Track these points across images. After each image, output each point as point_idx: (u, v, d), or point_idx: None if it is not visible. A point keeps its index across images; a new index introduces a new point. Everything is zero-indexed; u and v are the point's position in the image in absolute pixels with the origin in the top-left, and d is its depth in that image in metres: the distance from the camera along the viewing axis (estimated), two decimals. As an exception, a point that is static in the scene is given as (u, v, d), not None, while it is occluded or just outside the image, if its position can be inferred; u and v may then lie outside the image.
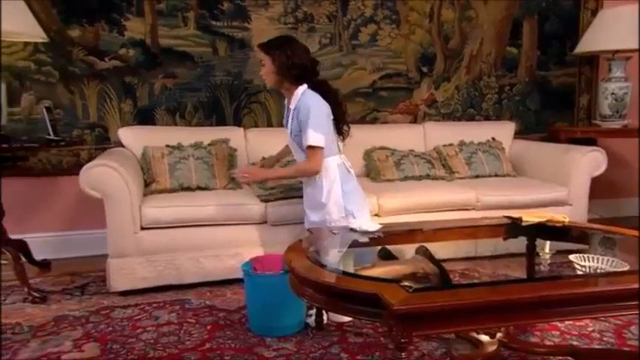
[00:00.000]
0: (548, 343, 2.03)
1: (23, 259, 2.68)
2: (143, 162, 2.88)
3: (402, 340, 1.32)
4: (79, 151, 3.15)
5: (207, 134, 3.08)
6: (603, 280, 1.65)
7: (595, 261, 1.84)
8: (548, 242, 2.09)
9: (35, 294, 2.46)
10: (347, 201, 2.28)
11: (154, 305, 2.41)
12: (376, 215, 2.89)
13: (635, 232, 2.00)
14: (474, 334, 1.88)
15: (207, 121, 3.38)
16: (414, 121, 3.80)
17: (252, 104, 3.45)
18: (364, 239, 2.06)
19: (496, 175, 3.44)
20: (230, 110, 3.42)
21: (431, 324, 1.38)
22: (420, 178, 3.27)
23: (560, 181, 3.20)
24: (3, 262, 2.56)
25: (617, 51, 3.61)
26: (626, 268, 1.74)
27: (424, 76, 3.79)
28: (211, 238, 2.63)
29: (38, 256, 2.89)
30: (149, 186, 2.81)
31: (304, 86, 2.29)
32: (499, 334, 1.87)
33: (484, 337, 1.86)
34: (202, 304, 2.41)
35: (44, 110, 2.65)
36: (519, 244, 2.37)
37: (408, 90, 3.77)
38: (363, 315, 1.49)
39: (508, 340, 1.89)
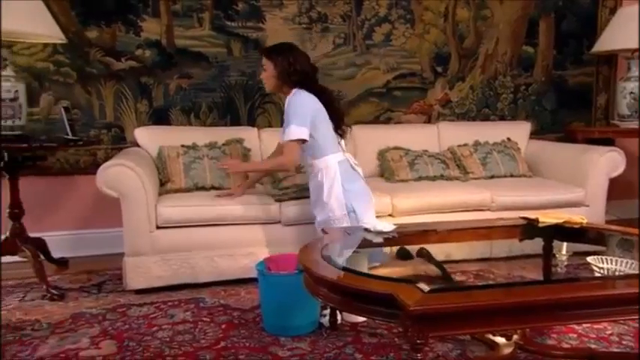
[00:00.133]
0: (565, 345, 2.00)
1: (42, 256, 2.72)
2: (158, 162, 2.90)
3: (418, 341, 1.31)
4: (96, 151, 3.20)
5: (222, 134, 3.10)
6: (622, 283, 1.62)
7: (613, 263, 1.81)
8: (565, 244, 2.06)
9: (53, 291, 2.50)
10: (349, 198, 2.29)
11: (169, 304, 2.43)
12: (390, 215, 2.88)
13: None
14: (490, 336, 1.87)
15: (222, 121, 3.40)
16: (428, 121, 3.79)
17: (266, 104, 3.47)
18: (378, 239, 2.06)
19: (511, 176, 3.41)
20: (244, 110, 3.44)
21: (447, 325, 1.37)
22: (434, 178, 3.25)
23: (577, 182, 3.16)
24: (22, 259, 2.60)
25: (636, 49, 3.55)
26: (646, 270, 1.71)
27: (438, 76, 3.77)
28: (225, 237, 2.65)
29: (56, 254, 2.94)
30: (164, 185, 2.84)
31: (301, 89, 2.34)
32: (515, 336, 1.85)
33: (500, 339, 1.84)
34: (217, 303, 2.43)
35: (62, 110, 2.69)
36: (535, 245, 2.34)
37: (422, 90, 3.76)
38: (377, 315, 1.49)
39: (524, 342, 1.87)
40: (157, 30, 3.22)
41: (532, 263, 2.32)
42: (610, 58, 4.01)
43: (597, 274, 1.80)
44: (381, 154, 3.39)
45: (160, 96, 3.29)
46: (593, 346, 2.01)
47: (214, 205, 2.63)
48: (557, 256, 2.05)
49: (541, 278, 2.17)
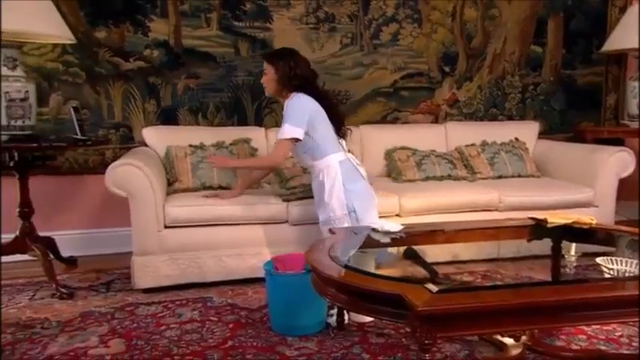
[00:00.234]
0: (574, 347, 1.99)
1: (51, 255, 2.74)
2: (166, 161, 2.92)
3: (426, 342, 1.31)
4: (105, 151, 3.22)
5: (229, 134, 3.11)
6: (631, 284, 1.61)
7: (623, 264, 1.80)
8: (574, 244, 2.05)
9: (63, 290, 2.52)
10: (350, 198, 2.30)
11: (177, 303, 2.44)
12: (397, 215, 2.88)
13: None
14: (499, 337, 1.86)
15: (229, 121, 3.41)
16: (436, 121, 3.77)
17: (273, 104, 3.47)
18: (386, 240, 2.06)
19: (519, 176, 3.39)
20: (251, 110, 3.45)
21: (455, 325, 1.37)
22: (441, 178, 3.24)
23: (586, 182, 3.14)
24: (32, 258, 2.63)
25: (645, 49, 3.52)
26: (656, 271, 1.70)
27: (446, 76, 3.76)
28: (233, 237, 2.66)
29: (65, 253, 2.96)
30: (172, 185, 2.85)
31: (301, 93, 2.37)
32: (524, 337, 1.84)
33: (508, 340, 1.83)
34: (224, 303, 2.44)
35: (72, 110, 2.71)
36: (543, 246, 2.33)
37: (430, 90, 3.75)
38: (385, 315, 1.49)
39: (533, 343, 1.86)
40: (164, 30, 3.24)
41: (540, 264, 2.31)
42: (620, 58, 3.97)
43: (607, 275, 1.79)
44: (388, 154, 3.38)
45: (168, 96, 3.30)
46: (602, 347, 2.00)
47: (222, 205, 2.63)
48: (566, 256, 2.04)
49: (549, 279, 2.16)
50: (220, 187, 2.87)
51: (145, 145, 3.04)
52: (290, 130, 2.30)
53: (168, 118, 3.30)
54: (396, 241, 2.05)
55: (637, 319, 1.96)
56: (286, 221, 2.71)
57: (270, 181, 3.05)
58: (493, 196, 3.01)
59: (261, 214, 2.67)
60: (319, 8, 3.47)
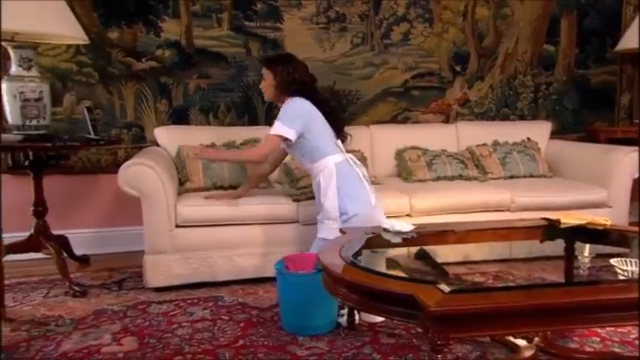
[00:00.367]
0: (588, 349, 1.97)
1: (64, 254, 2.77)
2: (177, 161, 2.94)
3: (439, 342, 1.31)
4: (117, 150, 3.24)
5: (240, 134, 3.12)
6: (646, 286, 1.59)
7: (637, 265, 1.78)
8: (587, 245, 2.03)
9: (76, 288, 2.54)
10: (344, 200, 2.32)
11: (189, 301, 2.45)
12: (408, 215, 2.87)
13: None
14: (511, 338, 1.85)
15: (240, 120, 3.42)
16: (447, 120, 3.76)
17: (284, 104, 3.47)
18: (397, 240, 2.05)
19: (531, 176, 3.37)
20: (262, 110, 3.46)
21: (468, 326, 1.36)
22: (452, 178, 3.23)
23: (600, 183, 3.11)
24: (46, 256, 2.66)
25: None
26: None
27: (457, 75, 3.74)
28: (244, 236, 2.67)
29: (77, 252, 2.99)
30: (183, 185, 2.87)
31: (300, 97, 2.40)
32: (536, 339, 1.83)
33: (521, 342, 1.82)
34: (235, 302, 2.45)
35: (85, 110, 2.73)
36: (555, 246, 2.32)
37: (441, 89, 3.73)
38: (397, 315, 1.49)
39: (546, 344, 1.85)
40: (176, 30, 3.26)
41: (552, 265, 2.29)
42: (634, 57, 3.92)
43: (621, 277, 1.77)
44: (399, 154, 3.37)
45: (180, 96, 3.32)
46: (617, 350, 1.97)
47: (232, 205, 2.64)
48: (579, 257, 2.02)
49: (562, 280, 2.15)
50: (231, 187, 2.88)
51: (157, 144, 3.06)
52: (280, 128, 2.34)
53: (179, 117, 3.32)
54: (407, 241, 2.05)
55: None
56: (297, 221, 2.71)
57: (280, 181, 3.05)
58: (505, 196, 2.99)
59: (272, 214, 2.68)
60: (330, 8, 3.47)
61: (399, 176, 3.33)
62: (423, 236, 2.11)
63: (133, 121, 3.26)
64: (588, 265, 1.97)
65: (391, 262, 1.97)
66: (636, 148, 3.18)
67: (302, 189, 2.76)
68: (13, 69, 2.47)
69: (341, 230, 2.19)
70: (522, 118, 3.87)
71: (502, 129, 3.62)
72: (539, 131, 3.64)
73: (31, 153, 2.58)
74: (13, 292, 2.55)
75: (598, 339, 2.05)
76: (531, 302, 1.40)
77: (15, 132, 2.49)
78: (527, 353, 1.79)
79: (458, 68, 3.74)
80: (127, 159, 2.73)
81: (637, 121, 3.78)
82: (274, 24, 3.40)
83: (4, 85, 2.45)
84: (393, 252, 2.13)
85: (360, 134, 3.38)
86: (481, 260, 2.83)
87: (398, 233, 2.04)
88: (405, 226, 2.08)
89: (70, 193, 3.20)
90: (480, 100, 3.80)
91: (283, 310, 2.20)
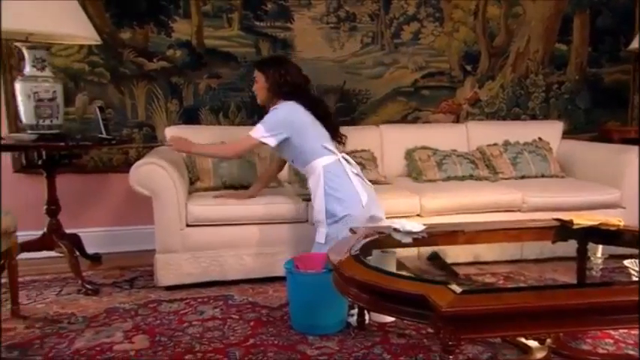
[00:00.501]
0: (601, 351, 1.95)
1: (77, 252, 2.80)
2: (188, 161, 2.95)
3: (450, 343, 1.30)
4: (128, 150, 3.27)
5: (250, 133, 3.13)
6: (661, 287, 1.57)
7: (651, 266, 1.75)
8: (600, 246, 2.01)
9: (88, 286, 2.57)
10: (331, 202, 2.35)
11: (199, 300, 2.47)
12: (418, 215, 2.86)
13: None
14: (523, 340, 1.83)
15: (250, 120, 3.41)
16: (457, 120, 3.74)
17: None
18: (407, 239, 2.04)
19: (543, 176, 3.34)
20: (272, 110, 3.46)
21: (480, 327, 1.36)
22: (462, 178, 3.21)
23: (613, 183, 3.07)
24: (59, 254, 2.69)
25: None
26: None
27: (468, 75, 3.72)
28: (254, 236, 2.67)
29: (89, 250, 3.02)
30: (194, 184, 2.89)
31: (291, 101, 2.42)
32: (549, 340, 1.81)
33: (533, 343, 1.80)
34: (245, 301, 2.46)
35: (97, 110, 2.76)
36: (567, 247, 2.30)
37: (451, 89, 3.71)
38: (408, 316, 1.49)
39: (558, 346, 1.83)
40: (187, 30, 3.27)
41: (564, 266, 2.27)
42: (648, 56, 3.88)
43: (634, 278, 1.75)
44: (409, 154, 3.36)
45: (190, 95, 3.34)
46: (630, 352, 1.95)
47: (242, 205, 2.65)
48: (592, 258, 2.00)
49: (574, 281, 2.13)
50: (242, 186, 2.89)
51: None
52: (262, 133, 2.37)
53: (190, 117, 3.33)
54: (417, 241, 2.04)
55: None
56: (306, 220, 2.71)
57: (290, 180, 3.06)
58: (516, 196, 2.97)
59: (282, 214, 2.68)
60: (340, 7, 3.46)
61: (409, 176, 3.32)
62: (434, 236, 2.10)
63: (144, 121, 3.28)
64: (601, 267, 1.95)
65: (401, 262, 1.97)
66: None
67: (312, 188, 2.76)
68: (27, 69, 2.50)
69: (351, 230, 2.19)
70: (534, 117, 3.84)
71: (513, 129, 3.60)
72: (550, 131, 3.61)
73: (44, 152, 2.61)
74: (27, 289, 2.58)
75: (611, 341, 2.03)
76: (544, 303, 1.39)
77: (29, 131, 2.52)
78: (540, 355, 1.78)
79: (468, 67, 3.71)
80: (138, 158, 2.75)
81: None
82: (284, 24, 3.40)
83: (18, 86, 2.48)
84: (403, 252, 2.13)
85: (369, 134, 3.40)
86: (492, 261, 2.81)
87: (408, 233, 2.04)
88: (416, 226, 2.07)
89: (82, 192, 3.23)
90: (490, 100, 3.77)
91: (293, 309, 2.20)
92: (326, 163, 2.40)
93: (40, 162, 2.65)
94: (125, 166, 2.93)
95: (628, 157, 3.07)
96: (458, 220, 2.68)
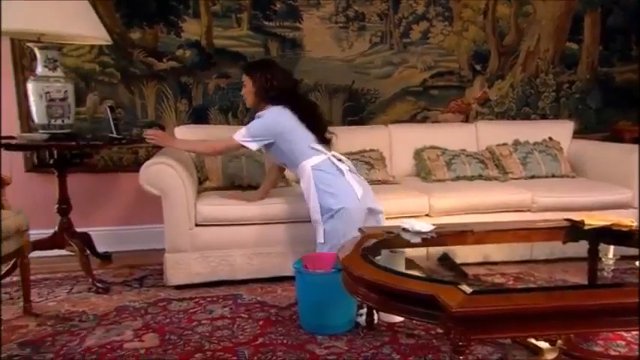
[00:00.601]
0: (612, 353, 1.93)
1: (87, 251, 2.82)
2: (197, 160, 2.97)
3: (460, 344, 1.30)
4: (138, 149, 3.29)
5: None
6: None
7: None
8: (612, 247, 1.99)
9: (99, 284, 2.59)
10: (325, 198, 2.36)
11: (208, 299, 2.48)
12: (427, 215, 2.85)
13: None
14: (533, 341, 1.82)
15: (258, 120, 3.43)
16: (466, 120, 3.72)
17: (303, 103, 3.48)
18: (416, 239, 2.04)
19: (553, 176, 3.31)
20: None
21: (490, 328, 1.35)
22: (471, 178, 3.20)
23: (625, 183, 3.04)
24: (70, 253, 2.71)
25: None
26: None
27: (477, 74, 3.70)
28: (263, 235, 2.68)
29: (100, 249, 3.04)
30: (202, 184, 2.90)
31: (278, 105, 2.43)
32: (559, 341, 1.80)
33: (544, 344, 1.79)
34: (254, 300, 2.46)
35: (107, 110, 2.77)
36: (577, 248, 2.27)
37: (460, 88, 3.70)
38: (417, 316, 1.48)
39: (569, 347, 1.82)
40: (197, 31, 3.29)
41: (574, 266, 2.26)
42: (660, 54, 3.84)
43: (647, 280, 1.73)
44: (418, 154, 3.36)
45: (199, 95, 3.35)
46: (642, 354, 1.93)
47: (251, 205, 2.66)
48: (603, 259, 1.98)
49: (584, 282, 2.11)
50: (250, 186, 2.90)
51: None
52: (245, 137, 2.41)
53: (199, 117, 3.35)
54: (426, 241, 2.04)
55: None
56: (315, 220, 2.71)
57: (298, 180, 3.05)
58: (526, 196, 2.95)
59: (290, 213, 2.68)
60: (349, 7, 3.46)
61: (417, 176, 3.31)
62: (443, 236, 2.09)
63: (153, 121, 3.30)
64: (613, 267, 1.93)
65: (410, 262, 1.97)
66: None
67: (320, 188, 2.76)
68: (39, 69, 2.52)
69: (360, 229, 2.19)
70: (544, 117, 3.81)
71: (523, 128, 3.58)
72: (561, 131, 3.58)
73: (55, 152, 2.64)
74: (39, 287, 2.61)
75: (623, 342, 2.01)
76: (555, 304, 1.38)
77: (41, 131, 2.54)
78: (550, 356, 1.76)
79: (478, 67, 3.70)
80: (147, 158, 2.77)
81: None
82: (293, 23, 3.40)
83: (30, 86, 2.51)
84: (411, 252, 2.12)
85: (378, 133, 3.40)
86: (501, 261, 2.80)
87: (417, 233, 2.03)
88: (425, 226, 2.07)
89: (93, 192, 3.26)
90: (500, 100, 3.75)
91: (302, 309, 2.20)
92: (315, 163, 2.42)
93: (51, 161, 2.67)
94: (135, 166, 2.96)
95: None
96: (467, 221, 2.67)
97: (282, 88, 2.45)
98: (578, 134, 3.67)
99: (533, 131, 3.53)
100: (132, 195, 3.28)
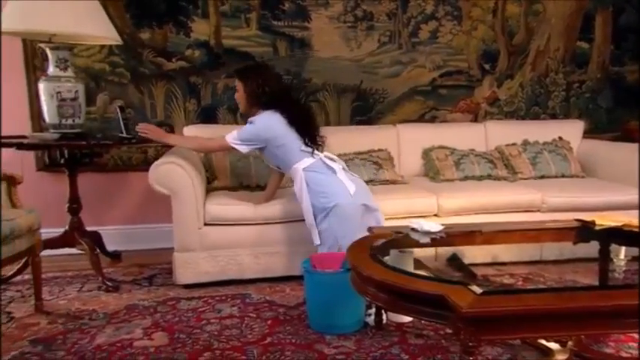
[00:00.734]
0: (624, 354, 1.92)
1: (97, 250, 2.84)
2: (205, 160, 2.98)
3: (470, 344, 1.29)
4: (147, 149, 3.30)
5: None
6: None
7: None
8: (623, 248, 1.98)
9: (108, 283, 2.61)
10: (318, 198, 2.39)
11: (217, 298, 2.49)
12: (435, 215, 2.84)
13: None
14: (544, 342, 1.81)
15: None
16: (475, 120, 3.70)
17: (311, 103, 3.48)
18: (425, 240, 2.03)
19: (563, 176, 3.29)
20: (289, 109, 3.46)
21: (500, 328, 1.34)
22: (480, 178, 3.18)
23: (636, 184, 3.01)
24: (80, 252, 2.73)
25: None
26: None
27: (486, 74, 3.69)
28: (271, 235, 2.68)
29: (109, 248, 3.06)
30: (211, 183, 2.91)
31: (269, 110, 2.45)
32: (570, 343, 1.78)
33: (554, 345, 1.78)
34: (262, 299, 2.47)
35: (117, 109, 2.79)
36: (587, 248, 2.26)
37: (469, 88, 3.68)
38: (426, 316, 1.48)
39: (580, 349, 1.80)
40: (205, 31, 3.30)
41: (584, 267, 2.23)
42: (672, 53, 3.79)
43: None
44: (426, 153, 3.35)
45: (208, 95, 3.36)
46: (654, 356, 1.91)
47: (260, 205, 2.66)
48: (614, 260, 1.97)
49: (595, 283, 2.09)
50: (258, 186, 2.91)
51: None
52: (236, 139, 2.45)
53: (207, 116, 3.36)
54: (435, 241, 2.03)
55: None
56: (323, 220, 2.71)
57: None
58: (535, 196, 2.93)
59: (299, 213, 2.67)
60: (357, 6, 3.46)
61: (426, 176, 3.31)
62: (452, 237, 2.09)
63: (163, 120, 3.32)
64: (624, 269, 1.91)
65: (419, 262, 1.96)
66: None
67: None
68: (51, 69, 2.55)
69: (369, 229, 2.19)
70: (554, 117, 3.78)
71: (532, 128, 3.55)
72: (571, 130, 3.56)
73: (66, 151, 2.66)
74: (49, 285, 2.64)
75: (635, 344, 1.99)
76: (566, 305, 1.37)
77: (52, 130, 2.56)
78: (561, 357, 1.75)
79: (487, 66, 3.68)
80: (156, 157, 2.78)
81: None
82: (302, 23, 3.40)
83: (41, 86, 2.53)
84: (420, 252, 2.11)
85: (386, 133, 3.39)
86: (510, 262, 2.78)
87: (426, 233, 2.03)
88: (434, 226, 2.06)
89: (103, 191, 3.28)
90: (509, 99, 3.73)
91: (310, 308, 2.21)
92: (306, 165, 2.45)
93: (62, 161, 2.69)
94: (144, 165, 2.98)
95: (652, 157, 3.01)
96: (476, 221, 2.66)
97: (274, 94, 2.47)
98: (588, 134, 3.64)
99: (542, 131, 3.51)
100: (141, 194, 3.31)
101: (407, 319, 2.16)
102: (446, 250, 2.19)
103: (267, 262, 2.69)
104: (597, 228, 2.05)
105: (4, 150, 2.54)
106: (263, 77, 2.48)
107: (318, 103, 3.50)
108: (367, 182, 2.98)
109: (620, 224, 2.04)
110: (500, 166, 3.28)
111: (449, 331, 1.99)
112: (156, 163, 2.57)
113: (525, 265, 2.77)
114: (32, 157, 3.13)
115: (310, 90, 3.47)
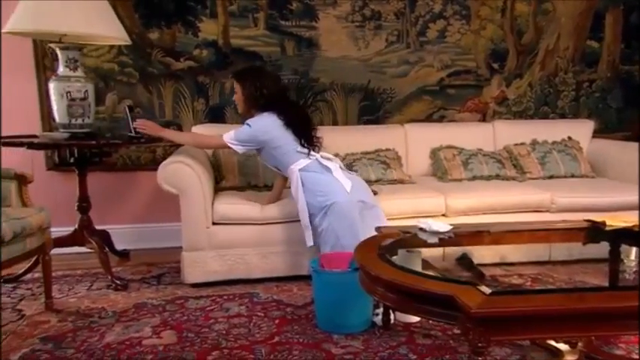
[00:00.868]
0: (635, 356, 1.90)
1: (106, 248, 2.86)
2: (214, 160, 2.99)
3: (480, 345, 1.29)
4: (155, 148, 3.32)
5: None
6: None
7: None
8: (634, 248, 1.96)
9: (117, 282, 2.63)
10: (316, 197, 2.40)
11: (225, 297, 2.50)
12: (443, 215, 2.84)
13: None
14: (553, 343, 1.80)
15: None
16: (483, 119, 3.69)
17: (319, 102, 3.49)
18: (434, 240, 2.03)
19: (572, 176, 3.27)
20: (296, 109, 3.46)
21: (510, 329, 1.33)
22: (489, 178, 3.17)
23: (646, 184, 2.98)
24: (89, 250, 2.75)
25: None
26: None
27: (495, 73, 3.67)
28: (279, 234, 2.69)
29: (118, 247, 3.08)
30: (219, 183, 2.92)
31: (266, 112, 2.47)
32: (580, 344, 1.77)
33: (564, 346, 1.77)
34: (270, 299, 2.47)
35: (126, 109, 2.80)
36: (596, 249, 2.24)
37: (478, 87, 3.67)
38: (434, 316, 1.47)
39: (590, 350, 1.79)
40: (214, 30, 3.31)
41: (593, 268, 2.22)
42: (683, 52, 3.75)
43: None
44: (434, 153, 3.34)
45: (216, 95, 3.37)
46: (665, 358, 1.89)
47: (267, 205, 2.67)
48: (625, 261, 1.95)
49: (605, 284, 2.07)
50: (266, 186, 2.91)
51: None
52: (233, 139, 2.48)
53: (215, 116, 3.37)
54: (443, 241, 2.02)
55: None
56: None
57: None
58: (544, 196, 2.92)
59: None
60: (365, 6, 3.45)
61: (434, 175, 3.30)
62: (460, 237, 2.08)
63: (171, 120, 3.33)
64: (634, 269, 1.90)
65: (427, 262, 1.96)
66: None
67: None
68: (61, 69, 2.57)
69: (377, 228, 2.18)
70: (563, 116, 3.76)
71: (541, 128, 3.53)
72: (580, 130, 3.53)
73: (76, 150, 2.68)
74: (59, 284, 2.66)
75: (645, 346, 1.97)
76: (576, 306, 1.36)
77: (62, 130, 2.59)
78: (571, 358, 1.74)
79: (495, 66, 3.66)
80: (165, 157, 2.80)
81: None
82: (309, 23, 3.41)
83: (52, 85, 2.55)
84: (427, 252, 2.11)
85: (394, 133, 3.39)
86: (518, 262, 2.77)
87: (435, 233, 2.02)
88: (442, 226, 2.06)
89: (112, 190, 3.30)
90: (518, 99, 3.71)
91: (318, 308, 2.21)
92: (302, 166, 2.47)
93: (72, 160, 2.72)
94: (153, 165, 2.99)
95: (663, 157, 2.98)
96: (484, 221, 2.65)
97: (271, 96, 2.50)
98: (598, 134, 3.62)
99: (551, 131, 3.49)
100: (150, 193, 3.32)
101: (414, 319, 2.16)
102: (454, 250, 2.18)
103: (275, 261, 2.69)
104: (608, 228, 2.03)
105: (15, 150, 2.56)
106: (260, 80, 2.50)
107: (325, 102, 3.50)
108: (375, 182, 2.99)
109: (630, 225, 2.03)
110: (509, 165, 3.27)
111: (457, 331, 1.99)
112: (164, 162, 2.59)
113: (534, 265, 2.76)
114: (42, 157, 3.16)
115: (318, 89, 3.47)
